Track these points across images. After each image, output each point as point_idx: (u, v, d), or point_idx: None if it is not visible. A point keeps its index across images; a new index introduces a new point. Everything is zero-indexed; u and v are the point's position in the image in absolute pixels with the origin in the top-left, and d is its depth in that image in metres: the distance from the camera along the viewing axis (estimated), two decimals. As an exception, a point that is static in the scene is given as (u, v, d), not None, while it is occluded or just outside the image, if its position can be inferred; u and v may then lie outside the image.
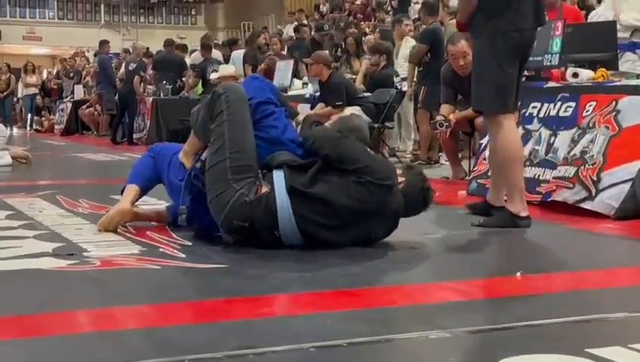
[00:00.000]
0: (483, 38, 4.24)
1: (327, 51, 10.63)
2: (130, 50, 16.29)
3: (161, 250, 3.58)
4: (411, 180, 3.73)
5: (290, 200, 3.48)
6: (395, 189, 3.58)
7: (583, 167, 4.74)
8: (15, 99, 21.09)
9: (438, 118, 6.46)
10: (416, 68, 8.66)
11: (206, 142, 3.85)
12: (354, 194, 3.49)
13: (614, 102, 4.78)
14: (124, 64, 14.89)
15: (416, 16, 12.79)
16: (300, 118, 3.87)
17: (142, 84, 13.85)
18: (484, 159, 5.77)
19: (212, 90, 3.95)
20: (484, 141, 5.89)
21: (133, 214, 4.14)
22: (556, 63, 5.53)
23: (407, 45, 9.30)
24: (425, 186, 3.74)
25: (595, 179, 4.62)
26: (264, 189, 3.53)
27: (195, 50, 15.26)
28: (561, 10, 6.65)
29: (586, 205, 4.61)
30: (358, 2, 19.41)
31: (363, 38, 12.02)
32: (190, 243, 3.73)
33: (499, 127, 4.23)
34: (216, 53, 14.22)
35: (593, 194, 4.60)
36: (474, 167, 6.20)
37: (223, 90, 3.81)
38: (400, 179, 3.66)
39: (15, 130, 19.55)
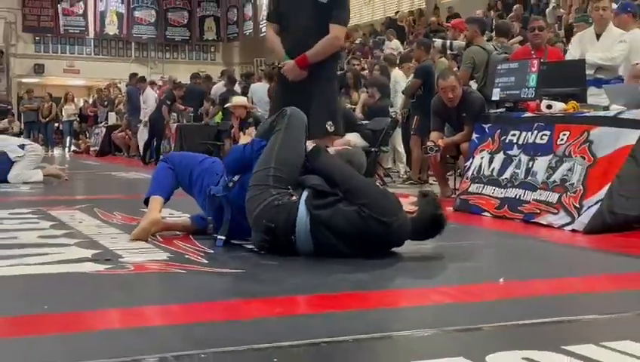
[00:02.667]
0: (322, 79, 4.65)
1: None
2: (157, 82, 16.36)
3: (186, 256, 3.58)
4: (423, 208, 3.70)
5: (308, 214, 3.49)
6: (396, 226, 3.50)
7: (565, 195, 4.74)
8: (56, 124, 21.13)
9: (429, 143, 6.47)
10: (410, 99, 8.68)
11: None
12: (354, 223, 3.47)
13: (586, 133, 4.79)
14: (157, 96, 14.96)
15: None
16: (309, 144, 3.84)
17: (170, 112, 13.89)
18: (467, 179, 5.79)
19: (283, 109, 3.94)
20: (468, 163, 5.91)
21: (163, 225, 4.14)
22: (532, 96, 5.56)
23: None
24: (437, 213, 3.67)
25: (577, 206, 4.64)
26: (293, 198, 3.55)
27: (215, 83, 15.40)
28: (546, 52, 6.70)
29: (568, 228, 4.62)
30: (357, 42, 19.49)
31: (361, 73, 12.07)
32: (212, 251, 3.73)
33: None
34: (236, 86, 14.32)
35: (576, 219, 4.61)
36: (459, 186, 6.22)
37: (290, 111, 3.82)
38: (413, 208, 3.64)
39: (56, 151, 19.55)
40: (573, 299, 2.92)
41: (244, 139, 4.23)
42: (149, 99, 14.67)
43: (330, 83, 4.76)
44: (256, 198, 3.59)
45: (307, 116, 3.93)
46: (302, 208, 3.51)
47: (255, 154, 3.79)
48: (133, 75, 15.93)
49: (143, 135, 14.81)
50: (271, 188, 3.58)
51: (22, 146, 8.43)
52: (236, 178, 3.81)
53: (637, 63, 6.09)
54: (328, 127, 4.58)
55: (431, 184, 8.26)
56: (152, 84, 16.74)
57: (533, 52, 6.71)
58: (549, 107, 5.31)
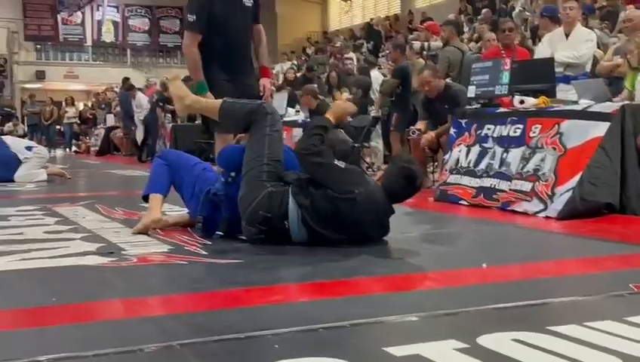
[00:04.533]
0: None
1: (315, 85, 10.56)
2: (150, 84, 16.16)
3: (186, 248, 3.51)
4: (391, 168, 3.65)
5: (295, 203, 3.46)
6: (364, 197, 3.41)
7: (537, 183, 4.71)
8: (58, 127, 20.92)
9: (412, 128, 6.48)
10: (389, 98, 8.63)
11: (224, 129, 3.97)
12: (326, 209, 3.43)
13: (557, 126, 4.76)
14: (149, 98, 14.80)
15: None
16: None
17: (164, 112, 13.76)
18: (446, 170, 5.75)
19: (260, 103, 3.88)
20: (447, 156, 5.87)
21: (164, 222, 4.06)
22: (505, 92, 5.51)
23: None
24: (404, 167, 3.56)
25: (549, 193, 4.60)
26: (285, 188, 3.52)
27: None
28: (514, 51, 6.66)
29: (542, 214, 4.58)
30: (337, 45, 19.43)
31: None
32: (210, 243, 3.66)
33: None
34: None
35: (548, 206, 4.57)
36: (438, 178, 6.18)
37: (270, 110, 3.78)
38: (379, 174, 3.60)
39: (58, 151, 19.36)
40: (553, 281, 2.87)
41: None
42: (142, 102, 14.54)
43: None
44: (251, 194, 3.53)
45: None
46: (291, 199, 3.46)
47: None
48: (125, 80, 15.76)
49: (140, 135, 14.70)
50: (265, 182, 3.53)
51: (29, 148, 8.33)
52: (233, 174, 3.73)
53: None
54: None
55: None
56: (146, 87, 16.55)
57: (503, 52, 6.68)
58: (522, 102, 5.27)
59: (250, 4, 4.58)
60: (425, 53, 8.29)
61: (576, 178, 4.45)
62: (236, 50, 4.55)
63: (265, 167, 3.57)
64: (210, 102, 4.05)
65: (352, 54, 13.87)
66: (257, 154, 3.62)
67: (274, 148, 3.65)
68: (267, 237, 3.52)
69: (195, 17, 4.37)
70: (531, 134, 4.95)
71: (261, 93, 4.75)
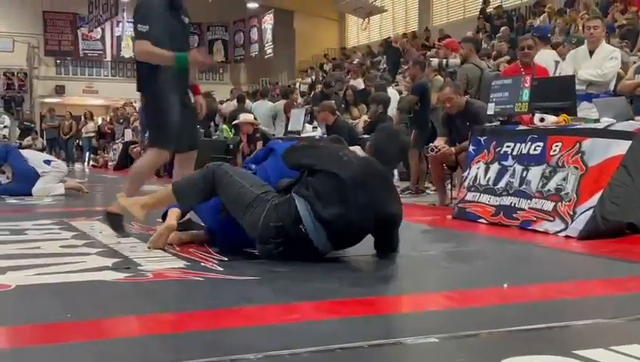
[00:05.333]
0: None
1: (332, 101, 10.55)
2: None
3: (202, 264, 3.48)
4: (375, 137, 3.66)
5: (302, 198, 3.45)
6: (352, 172, 3.41)
7: (560, 203, 4.64)
8: (76, 141, 21.07)
9: (431, 145, 6.44)
10: (407, 115, 8.59)
11: (185, 204, 3.88)
12: (328, 178, 3.44)
13: (578, 144, 4.70)
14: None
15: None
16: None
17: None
18: (464, 188, 5.70)
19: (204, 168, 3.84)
20: (465, 174, 5.81)
21: (179, 238, 4.03)
22: (526, 110, 5.47)
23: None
24: (384, 126, 3.74)
25: (571, 213, 4.53)
26: (286, 196, 3.52)
27: (223, 101, 15.49)
28: (534, 69, 6.62)
29: (562, 233, 4.51)
30: (355, 62, 19.48)
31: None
32: (226, 259, 3.62)
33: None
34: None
35: (570, 226, 4.50)
36: (456, 195, 6.12)
37: (213, 166, 3.76)
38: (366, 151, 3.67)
39: (76, 165, 19.49)
40: (576, 303, 2.81)
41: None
42: None
43: None
44: (255, 212, 3.50)
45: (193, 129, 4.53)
46: (296, 197, 3.45)
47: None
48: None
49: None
50: (263, 196, 3.53)
51: (47, 162, 8.38)
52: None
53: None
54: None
55: (427, 193, 8.16)
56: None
57: (522, 69, 6.64)
58: (542, 120, 5.22)
59: (187, 22, 4.67)
60: (443, 70, 8.26)
61: (597, 196, 4.38)
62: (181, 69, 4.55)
63: (255, 190, 3.56)
64: (159, 193, 3.94)
65: (358, 80, 13.81)
66: (236, 188, 3.60)
67: (248, 179, 3.66)
68: (287, 251, 3.47)
69: (147, 27, 4.35)
70: (552, 152, 4.88)
71: (198, 112, 4.78)
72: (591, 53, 6.29)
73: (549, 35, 7.24)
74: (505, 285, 3.00)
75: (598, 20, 6.46)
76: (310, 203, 3.41)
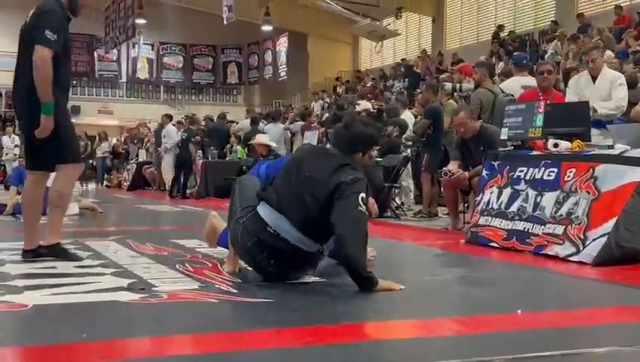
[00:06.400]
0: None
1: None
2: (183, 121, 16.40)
3: (216, 286, 3.49)
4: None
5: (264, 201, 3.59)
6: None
7: (570, 227, 4.63)
8: (90, 161, 21.21)
9: (444, 168, 6.43)
10: (420, 138, 8.62)
11: None
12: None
13: (592, 170, 4.69)
14: (180, 132, 14.99)
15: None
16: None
17: (195, 148, 13.92)
18: (477, 212, 5.69)
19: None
20: (479, 198, 5.81)
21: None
22: (539, 135, 5.47)
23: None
24: (346, 121, 3.76)
25: (582, 237, 4.51)
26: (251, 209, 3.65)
27: (234, 122, 15.75)
28: (551, 94, 6.63)
29: (574, 258, 4.49)
30: (368, 85, 19.56)
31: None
32: (240, 281, 3.64)
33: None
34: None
35: (580, 250, 4.49)
36: (469, 219, 6.11)
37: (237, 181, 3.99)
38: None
39: (90, 185, 19.60)
40: (590, 330, 2.79)
41: None
42: (170, 133, 14.73)
43: None
44: (237, 243, 3.69)
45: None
46: (260, 206, 3.60)
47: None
48: (166, 116, 16.03)
49: (166, 167, 14.85)
50: (238, 219, 3.65)
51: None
52: None
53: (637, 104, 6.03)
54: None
55: (440, 217, 8.15)
56: (180, 123, 16.79)
57: (540, 94, 6.65)
58: (556, 145, 5.22)
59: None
60: (456, 94, 8.28)
61: (612, 223, 4.36)
62: (70, 83, 4.53)
63: (238, 212, 3.67)
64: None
65: (364, 102, 13.85)
66: (232, 208, 3.80)
67: (243, 194, 3.77)
68: (280, 263, 3.51)
69: (56, 37, 4.17)
70: (566, 178, 4.88)
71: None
72: (594, 78, 6.31)
73: (524, 62, 7.60)
74: (518, 311, 2.99)
75: (594, 51, 6.52)
76: (268, 199, 3.55)
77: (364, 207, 3.31)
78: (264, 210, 3.55)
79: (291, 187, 3.51)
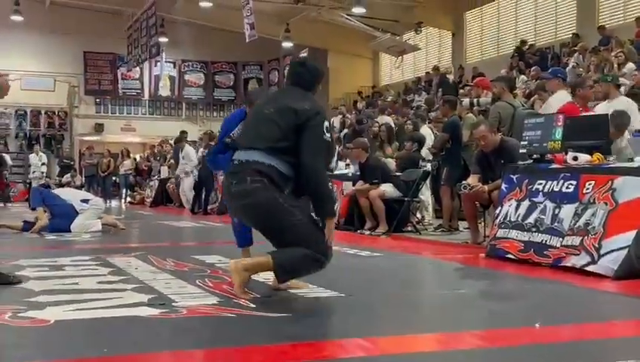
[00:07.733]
0: None
1: (365, 139, 10.63)
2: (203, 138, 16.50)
3: (234, 300, 3.52)
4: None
5: None
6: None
7: (586, 237, 4.62)
8: (114, 178, 21.42)
9: (464, 182, 6.43)
10: (440, 152, 8.61)
11: None
12: None
13: (610, 182, 4.67)
14: (199, 150, 15.07)
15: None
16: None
17: (216, 164, 13.98)
18: (496, 225, 5.68)
19: None
20: (498, 211, 5.79)
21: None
22: (558, 148, 5.45)
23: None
24: (298, 61, 4.57)
25: (597, 246, 4.50)
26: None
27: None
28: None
29: (590, 268, 4.47)
30: (388, 100, 19.58)
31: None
32: (258, 296, 3.66)
33: None
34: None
35: (596, 259, 4.47)
36: (489, 233, 6.09)
37: None
38: None
39: (113, 202, 19.79)
40: (610, 343, 2.78)
41: None
42: (188, 155, 14.82)
43: None
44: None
45: None
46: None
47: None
48: (181, 133, 16.12)
49: (185, 187, 14.95)
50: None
51: (85, 201, 8.57)
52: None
53: None
54: None
55: (460, 231, 8.12)
56: (201, 140, 16.88)
57: (581, 108, 6.66)
58: (575, 159, 5.20)
59: None
60: (475, 108, 8.28)
61: (631, 235, 4.33)
62: None
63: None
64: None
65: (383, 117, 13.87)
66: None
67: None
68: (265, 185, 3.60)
69: None
70: (585, 190, 4.86)
71: None
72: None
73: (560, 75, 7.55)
74: (537, 324, 2.99)
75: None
76: (238, 143, 3.92)
77: (328, 135, 3.67)
78: (238, 154, 3.76)
79: (258, 123, 3.76)
